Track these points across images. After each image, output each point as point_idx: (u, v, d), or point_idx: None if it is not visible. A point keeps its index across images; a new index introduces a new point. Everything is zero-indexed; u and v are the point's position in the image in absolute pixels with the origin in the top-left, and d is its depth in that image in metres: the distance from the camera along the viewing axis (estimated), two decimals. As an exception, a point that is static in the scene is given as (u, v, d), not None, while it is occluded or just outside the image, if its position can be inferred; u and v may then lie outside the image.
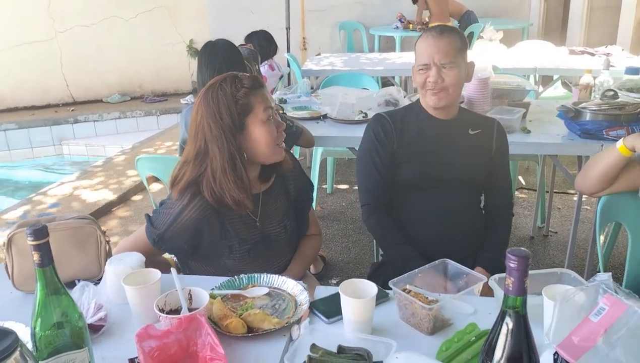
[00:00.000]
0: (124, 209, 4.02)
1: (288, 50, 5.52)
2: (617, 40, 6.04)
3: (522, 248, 0.83)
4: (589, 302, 0.99)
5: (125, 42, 7.15)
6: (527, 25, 7.34)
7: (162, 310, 1.16)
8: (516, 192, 3.99)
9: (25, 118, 6.50)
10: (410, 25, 6.77)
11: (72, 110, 6.81)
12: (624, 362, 0.93)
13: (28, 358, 0.87)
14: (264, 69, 3.94)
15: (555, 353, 0.95)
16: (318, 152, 3.57)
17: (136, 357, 1.09)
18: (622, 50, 4.69)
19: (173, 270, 1.24)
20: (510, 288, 0.83)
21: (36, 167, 6.23)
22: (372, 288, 1.17)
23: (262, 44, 3.96)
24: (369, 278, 1.49)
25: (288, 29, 5.60)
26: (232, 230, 1.53)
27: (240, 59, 2.47)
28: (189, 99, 7.07)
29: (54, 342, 0.99)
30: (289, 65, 4.84)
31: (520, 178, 4.26)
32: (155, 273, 1.25)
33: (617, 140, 2.34)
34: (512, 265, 0.82)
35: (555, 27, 7.86)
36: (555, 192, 3.61)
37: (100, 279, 1.37)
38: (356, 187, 4.24)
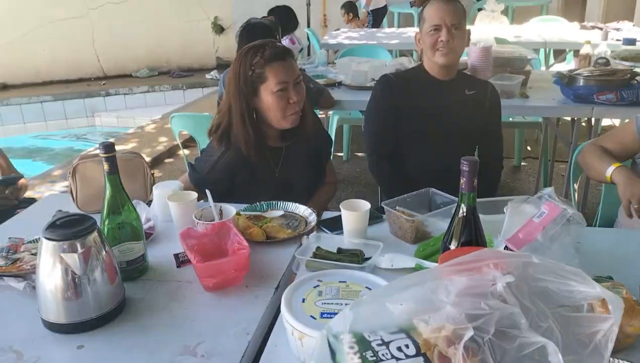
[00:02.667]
0: (157, 171, 4.35)
1: (308, 25, 5.75)
2: (635, 15, 6.13)
3: (472, 157, 1.09)
4: (535, 209, 1.25)
5: (152, 19, 7.46)
6: (546, 2, 7.42)
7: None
8: (522, 161, 4.21)
9: (60, 90, 6.88)
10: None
11: (103, 84, 7.18)
12: (557, 253, 1.19)
13: (104, 240, 1.18)
14: (285, 42, 4.20)
15: (506, 247, 1.21)
16: (334, 119, 3.83)
17: (179, 253, 1.39)
18: (633, 25, 4.82)
19: (207, 191, 1.53)
20: (463, 186, 1.10)
21: (70, 137, 6.64)
22: (366, 204, 1.44)
23: (283, 18, 4.21)
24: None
25: (308, 5, 5.82)
26: (258, 175, 1.82)
27: (273, 36, 2.76)
28: (214, 74, 7.37)
29: (118, 236, 1.30)
30: (308, 40, 5.08)
31: (528, 148, 4.46)
32: (193, 194, 1.55)
33: (606, 104, 2.58)
34: (464, 168, 1.09)
35: (575, 3, 7.91)
36: (556, 161, 3.81)
37: (147, 203, 1.68)
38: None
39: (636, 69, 2.65)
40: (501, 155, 2.25)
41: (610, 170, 1.73)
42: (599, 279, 1.18)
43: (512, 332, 0.90)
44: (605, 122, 4.34)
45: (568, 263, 1.21)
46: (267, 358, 1.06)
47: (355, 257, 1.33)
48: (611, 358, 0.99)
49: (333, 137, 3.90)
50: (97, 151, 1.32)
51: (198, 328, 1.14)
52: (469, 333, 0.86)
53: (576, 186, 2.03)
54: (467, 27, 2.12)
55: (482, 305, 0.88)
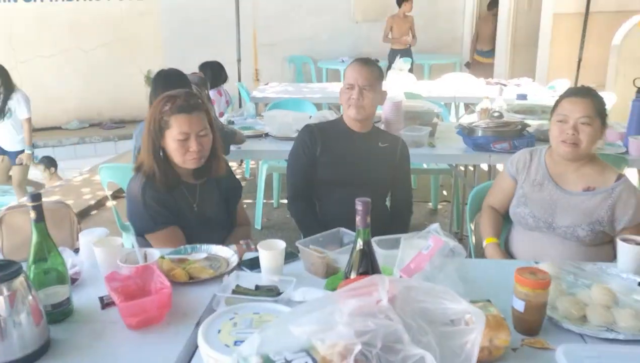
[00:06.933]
0: (84, 223, 4.31)
1: (239, 80, 5.98)
2: (536, 72, 6.82)
3: (365, 198, 1.27)
4: (425, 242, 1.44)
5: (84, 71, 7.47)
6: (458, 60, 8.09)
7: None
8: (439, 205, 4.52)
9: (-17, 143, 6.66)
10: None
11: (30, 136, 7.02)
12: (443, 280, 1.38)
13: (30, 284, 1.25)
14: (213, 93, 4.39)
15: (400, 277, 1.39)
16: (263, 168, 4.00)
17: (104, 295, 1.47)
18: (533, 81, 5.39)
19: (132, 236, 1.63)
20: (359, 224, 1.27)
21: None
22: (282, 243, 1.59)
23: (214, 72, 4.41)
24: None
25: (239, 60, 6.08)
26: (179, 209, 1.95)
27: (188, 86, 2.89)
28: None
29: (44, 281, 1.37)
30: (240, 94, 5.29)
31: (444, 192, 4.80)
32: (117, 239, 1.64)
33: (501, 152, 2.89)
34: (358, 207, 1.26)
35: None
36: (466, 204, 4.13)
37: (75, 250, 1.74)
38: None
39: (526, 121, 3.00)
40: (410, 201, 2.48)
41: (484, 243, 2.08)
42: (477, 301, 1.37)
43: (397, 346, 1.05)
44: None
45: (453, 289, 1.40)
46: (186, 386, 1.16)
47: (271, 292, 1.46)
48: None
49: (263, 184, 4.07)
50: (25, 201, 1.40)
51: (121, 363, 1.23)
52: (358, 347, 1.00)
53: (472, 226, 2.28)
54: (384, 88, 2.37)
55: (369, 323, 1.04)
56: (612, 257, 1.91)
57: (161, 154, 1.93)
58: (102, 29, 7.45)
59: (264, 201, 4.21)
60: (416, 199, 4.68)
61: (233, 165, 5.75)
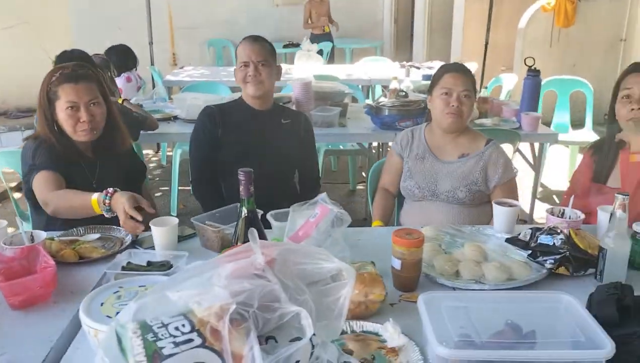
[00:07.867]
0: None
1: (152, 64, 5.81)
2: (450, 55, 7.09)
3: (247, 168, 1.30)
4: (313, 212, 1.50)
5: (-15, 58, 6.98)
6: (379, 44, 8.27)
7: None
8: (358, 186, 4.64)
9: None
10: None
11: None
12: (330, 246, 1.44)
13: None
14: (121, 80, 4.22)
15: (289, 245, 1.43)
16: (177, 153, 3.93)
17: (-15, 278, 1.42)
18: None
19: (17, 218, 1.58)
20: (242, 193, 1.30)
21: None
22: (174, 220, 1.59)
23: (119, 57, 4.25)
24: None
25: (151, 43, 5.91)
26: (76, 183, 1.88)
27: (92, 65, 2.80)
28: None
29: None
30: (152, 78, 5.15)
31: (363, 173, 4.92)
32: (1, 222, 1.58)
33: (404, 129, 3.01)
34: (241, 178, 1.29)
35: (404, 45, 8.91)
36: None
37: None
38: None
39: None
40: (317, 176, 2.54)
41: (372, 226, 2.16)
42: (361, 261, 1.44)
43: (274, 304, 1.09)
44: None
45: (339, 253, 1.46)
46: (67, 360, 1.15)
47: (162, 267, 1.47)
48: (355, 323, 1.24)
49: (177, 170, 4.00)
50: None
51: (1, 342, 1.20)
52: (233, 307, 1.04)
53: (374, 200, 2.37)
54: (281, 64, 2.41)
55: (245, 284, 1.07)
56: (492, 216, 2.08)
57: (55, 127, 1.90)
58: (5, 12, 6.98)
59: (180, 187, 4.15)
60: (335, 181, 4.82)
61: (149, 152, 5.60)
